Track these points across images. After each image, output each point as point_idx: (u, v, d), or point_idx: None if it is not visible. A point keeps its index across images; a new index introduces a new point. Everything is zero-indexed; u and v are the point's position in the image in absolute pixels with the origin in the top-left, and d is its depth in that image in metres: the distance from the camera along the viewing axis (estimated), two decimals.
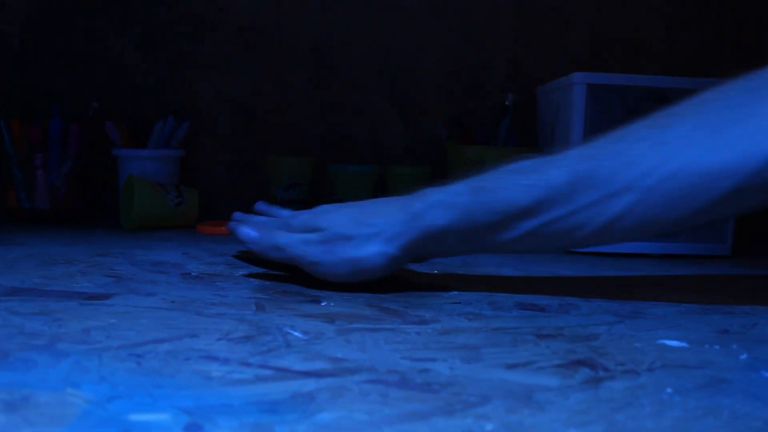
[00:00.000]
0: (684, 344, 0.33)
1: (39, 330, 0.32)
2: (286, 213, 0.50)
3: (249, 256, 0.55)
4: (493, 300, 0.42)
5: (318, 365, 0.28)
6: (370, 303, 0.41)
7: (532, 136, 0.81)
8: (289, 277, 0.49)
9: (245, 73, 0.86)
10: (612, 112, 0.63)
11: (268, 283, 0.47)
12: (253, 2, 0.85)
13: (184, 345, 0.31)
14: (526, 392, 0.25)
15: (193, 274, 0.49)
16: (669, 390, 0.26)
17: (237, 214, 0.52)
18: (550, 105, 0.74)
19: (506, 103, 0.70)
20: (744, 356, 0.31)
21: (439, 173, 0.78)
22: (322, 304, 0.40)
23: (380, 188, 0.79)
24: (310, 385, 0.26)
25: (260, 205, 0.55)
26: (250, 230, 0.46)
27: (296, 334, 0.33)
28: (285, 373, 0.27)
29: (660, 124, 0.38)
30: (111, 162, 0.84)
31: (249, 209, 0.87)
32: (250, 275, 0.49)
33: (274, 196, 0.79)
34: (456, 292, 0.45)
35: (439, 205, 0.41)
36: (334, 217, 0.44)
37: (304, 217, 0.47)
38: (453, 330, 0.35)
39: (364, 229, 0.43)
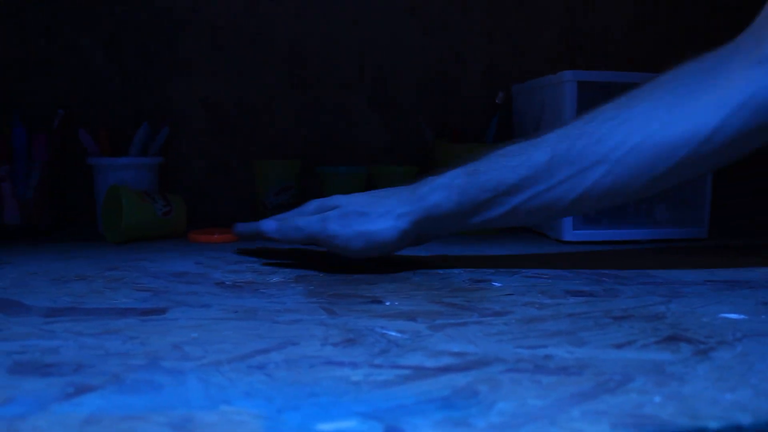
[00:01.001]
0: (743, 316, 0.36)
1: (125, 350, 0.30)
2: (272, 221, 0.54)
3: (254, 251, 0.61)
4: (542, 289, 0.44)
5: (446, 360, 0.29)
6: (431, 300, 0.41)
7: (507, 133, 0.85)
8: (322, 276, 0.48)
9: (220, 73, 0.83)
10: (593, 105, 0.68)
11: (312, 287, 0.46)
12: (226, 0, 0.83)
13: (294, 353, 0.30)
14: (656, 367, 0.27)
15: (227, 283, 0.47)
16: None
17: (239, 224, 0.58)
18: (532, 103, 0.77)
19: (496, 101, 0.73)
20: None
21: (426, 172, 0.79)
22: (387, 303, 0.40)
23: (368, 189, 0.79)
24: (459, 379, 0.26)
25: (240, 226, 0.58)
26: (269, 221, 0.53)
27: (393, 333, 0.33)
28: (424, 371, 0.27)
29: (623, 105, 0.45)
30: (85, 171, 0.78)
31: (231, 215, 0.85)
32: (266, 264, 0.48)
33: (263, 201, 0.77)
34: (499, 284, 0.46)
35: (440, 187, 0.48)
36: (350, 197, 0.51)
37: (317, 202, 0.53)
38: (534, 319, 0.36)
39: (377, 207, 0.49)
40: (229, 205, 0.86)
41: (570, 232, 0.67)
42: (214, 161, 0.85)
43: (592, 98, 0.67)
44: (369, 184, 0.79)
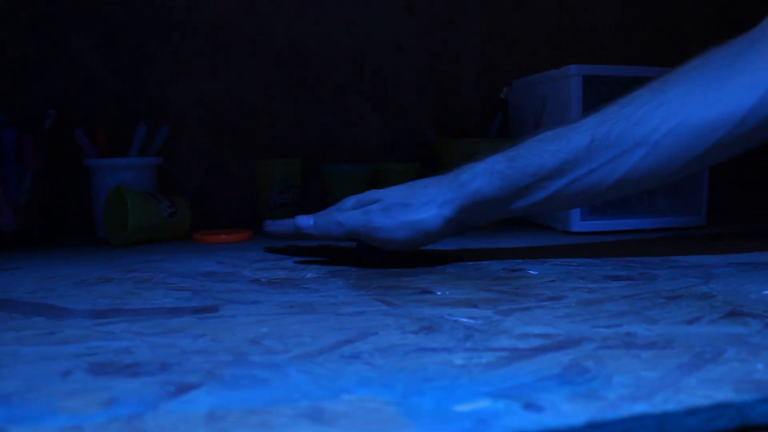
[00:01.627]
0: None
1: (202, 347, 0.29)
2: (308, 218, 0.52)
3: (283, 249, 0.61)
4: (581, 275, 0.45)
5: (536, 342, 0.29)
6: (479, 288, 0.41)
7: (505, 129, 0.86)
8: (355, 270, 0.48)
9: (218, 74, 0.81)
10: (603, 101, 0.70)
11: (352, 281, 0.45)
12: (225, 0, 0.81)
13: (380, 342, 0.29)
14: (738, 339, 0.28)
15: (262, 280, 0.46)
16: None
17: (270, 223, 0.56)
18: (532, 98, 0.79)
19: (501, 96, 0.74)
20: None
21: (429, 169, 0.80)
22: (438, 293, 0.40)
23: (371, 186, 0.79)
24: (560, 358, 0.26)
25: (272, 225, 0.56)
26: (305, 218, 0.51)
27: (465, 320, 0.33)
28: (521, 352, 0.27)
29: (658, 89, 0.46)
30: (80, 173, 0.74)
31: (230, 215, 0.83)
32: (298, 262, 0.47)
33: (267, 200, 0.75)
34: (536, 272, 0.47)
35: (482, 173, 0.48)
36: (388, 190, 0.50)
37: (354, 199, 0.52)
38: (591, 302, 0.37)
39: (419, 197, 0.48)
40: (229, 205, 0.84)
41: (578, 222, 0.69)
42: (213, 162, 0.83)
43: (596, 93, 0.70)
44: (372, 181, 0.79)
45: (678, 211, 0.72)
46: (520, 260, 0.53)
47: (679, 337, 0.29)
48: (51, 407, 0.22)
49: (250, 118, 0.83)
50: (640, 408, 0.21)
